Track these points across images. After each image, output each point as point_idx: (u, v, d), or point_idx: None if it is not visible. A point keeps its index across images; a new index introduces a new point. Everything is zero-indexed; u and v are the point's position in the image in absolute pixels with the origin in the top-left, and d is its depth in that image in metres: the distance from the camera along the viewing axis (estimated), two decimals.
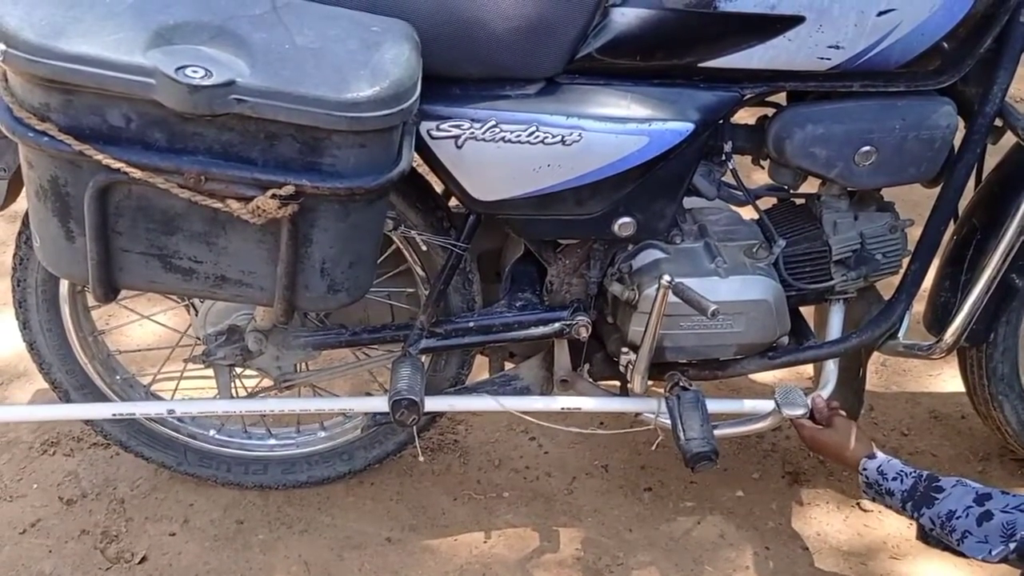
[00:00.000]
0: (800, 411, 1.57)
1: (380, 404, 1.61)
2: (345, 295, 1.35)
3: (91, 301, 1.60)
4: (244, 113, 1.14)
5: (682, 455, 1.54)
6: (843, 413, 1.66)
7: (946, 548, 1.49)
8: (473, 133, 1.39)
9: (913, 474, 1.51)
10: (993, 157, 1.64)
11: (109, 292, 1.30)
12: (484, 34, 1.35)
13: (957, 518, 1.41)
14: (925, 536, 1.52)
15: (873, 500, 1.58)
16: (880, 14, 1.35)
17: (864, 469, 1.56)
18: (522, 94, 1.40)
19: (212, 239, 1.26)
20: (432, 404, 1.62)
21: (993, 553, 1.36)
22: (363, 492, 1.86)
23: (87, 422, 1.77)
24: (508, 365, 1.76)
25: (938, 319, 1.67)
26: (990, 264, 1.52)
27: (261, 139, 1.18)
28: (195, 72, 1.11)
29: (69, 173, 1.20)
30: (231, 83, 1.12)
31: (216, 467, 1.81)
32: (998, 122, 1.51)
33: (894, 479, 1.52)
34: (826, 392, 1.66)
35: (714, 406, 1.60)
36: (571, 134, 1.40)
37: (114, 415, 1.66)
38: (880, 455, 1.57)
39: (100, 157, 1.15)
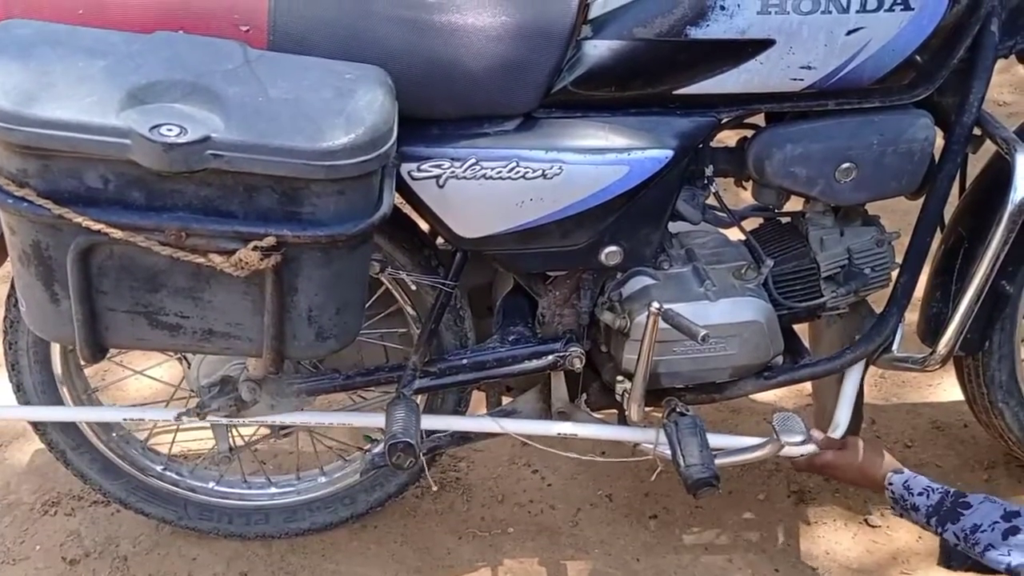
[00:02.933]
0: (798, 438, 1.55)
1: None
2: (334, 341, 1.35)
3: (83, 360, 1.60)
4: (221, 168, 1.15)
5: (683, 482, 1.53)
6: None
7: (969, 569, 1.47)
8: (454, 172, 1.39)
9: (940, 490, 1.49)
10: (978, 163, 1.64)
11: (97, 352, 1.30)
12: (459, 74, 1.36)
13: (982, 531, 1.39)
14: (948, 560, 1.50)
15: (900, 516, 1.56)
16: (849, 33, 1.36)
17: (890, 484, 1.54)
18: (501, 130, 1.41)
19: (197, 294, 1.26)
20: (429, 423, 1.61)
21: (1013, 565, 1.33)
22: (366, 536, 1.84)
23: (85, 481, 1.76)
24: (506, 399, 1.75)
25: (931, 330, 1.66)
26: (979, 272, 1.52)
27: (240, 192, 1.19)
28: (170, 130, 1.12)
29: (50, 237, 1.20)
30: (206, 139, 1.13)
31: (217, 519, 1.80)
32: (977, 131, 1.52)
33: (920, 494, 1.49)
34: (838, 433, 1.64)
35: (712, 441, 1.58)
36: (551, 167, 1.40)
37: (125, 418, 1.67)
38: (907, 471, 1.55)
39: (80, 220, 1.16)
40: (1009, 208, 1.46)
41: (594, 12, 1.39)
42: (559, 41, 1.37)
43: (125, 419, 1.72)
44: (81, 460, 1.73)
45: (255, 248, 1.19)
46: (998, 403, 1.78)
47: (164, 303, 1.26)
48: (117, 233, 1.17)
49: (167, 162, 1.13)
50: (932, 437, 2.02)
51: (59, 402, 1.66)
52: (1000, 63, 1.50)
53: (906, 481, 1.52)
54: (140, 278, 1.24)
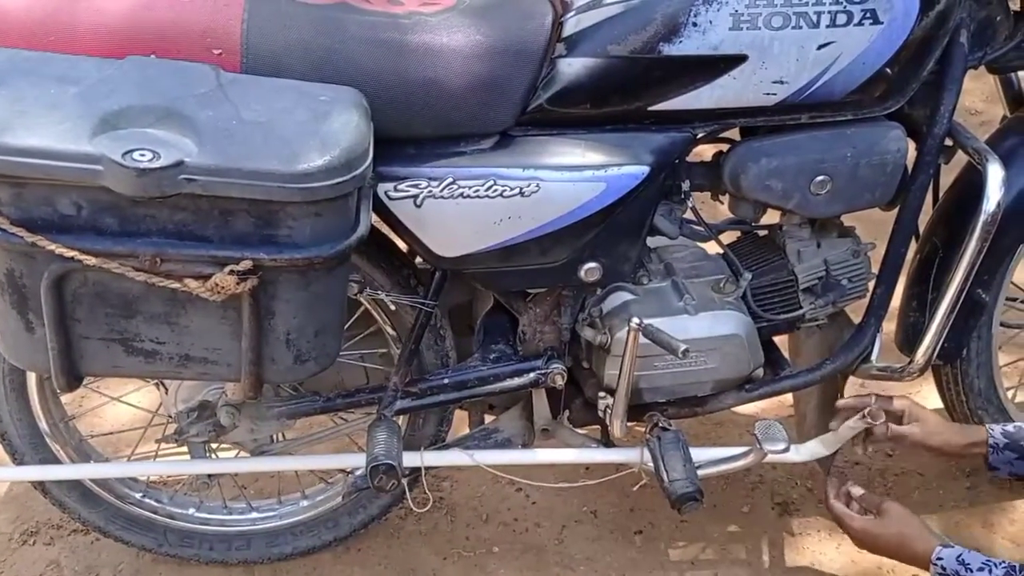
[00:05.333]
0: (781, 445, 1.55)
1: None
2: (313, 364, 1.34)
3: None
4: (195, 192, 1.14)
5: (667, 498, 1.53)
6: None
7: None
8: (431, 191, 1.39)
9: (1003, 565, 1.38)
10: (950, 173, 1.66)
11: (72, 380, 1.28)
12: (434, 93, 1.36)
13: None
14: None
15: None
16: (820, 47, 1.37)
17: (939, 559, 1.42)
18: (477, 149, 1.41)
19: (173, 319, 1.25)
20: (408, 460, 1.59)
21: None
22: (350, 559, 1.83)
23: (63, 510, 1.74)
24: (489, 417, 1.75)
25: (909, 339, 1.68)
26: (954, 281, 1.53)
27: (215, 216, 1.18)
28: (142, 156, 1.11)
29: (24, 265, 1.19)
30: (179, 164, 1.12)
31: (198, 546, 1.78)
32: (948, 142, 1.53)
33: (980, 570, 1.39)
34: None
35: (695, 454, 1.57)
36: (529, 185, 1.40)
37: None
38: (956, 545, 1.45)
39: (53, 247, 1.15)
40: (982, 218, 1.47)
41: (568, 30, 1.40)
42: (533, 59, 1.37)
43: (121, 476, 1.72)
44: (59, 488, 1.70)
45: (231, 272, 1.18)
46: (977, 411, 1.79)
47: (140, 329, 1.25)
48: (91, 260, 1.16)
49: (140, 187, 1.12)
50: None
51: (36, 429, 1.64)
52: (972, 72, 1.52)
53: (960, 555, 1.41)
54: (115, 305, 1.23)
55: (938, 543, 1.44)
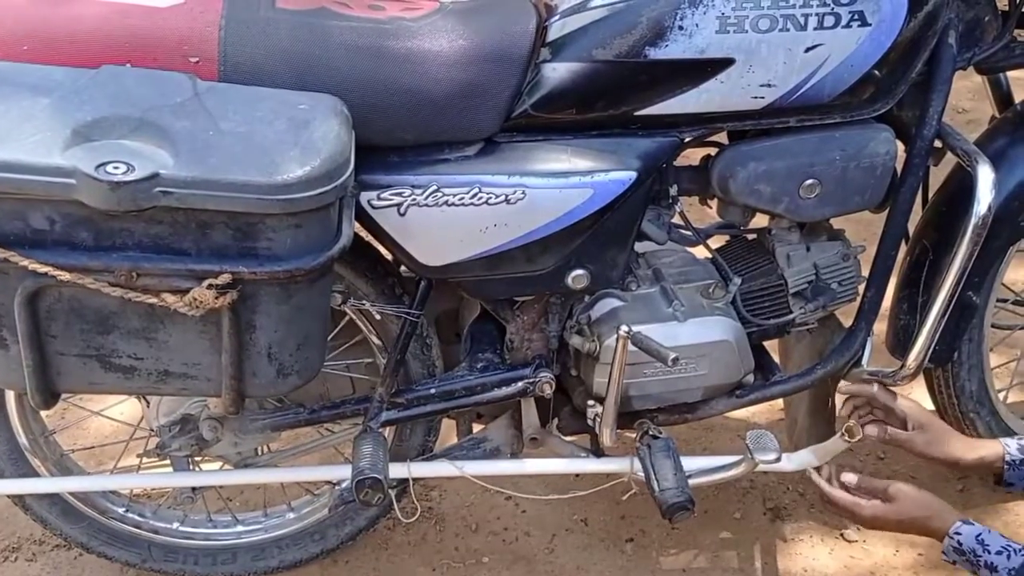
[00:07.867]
0: (772, 455, 1.53)
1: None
2: (296, 378, 1.32)
3: None
4: (171, 205, 1.12)
5: (658, 507, 1.51)
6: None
7: None
8: (415, 199, 1.37)
9: (1023, 551, 1.32)
10: (939, 174, 1.65)
11: (48, 398, 1.26)
12: (417, 100, 1.33)
13: None
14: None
15: (954, 563, 1.39)
16: (807, 50, 1.35)
17: (958, 533, 1.37)
18: (462, 156, 1.39)
19: (151, 334, 1.22)
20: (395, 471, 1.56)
21: None
22: (337, 571, 1.80)
23: (45, 526, 1.71)
24: (477, 426, 1.72)
25: (900, 343, 1.66)
26: (945, 284, 1.51)
27: (192, 229, 1.15)
28: (116, 168, 1.08)
29: None
30: (154, 176, 1.10)
31: (183, 561, 1.75)
32: (938, 143, 1.52)
33: (999, 553, 1.32)
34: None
35: (686, 463, 1.55)
36: (514, 192, 1.38)
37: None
38: (975, 523, 1.38)
39: (26, 263, 1.12)
40: (973, 220, 1.45)
41: (552, 35, 1.38)
42: (518, 64, 1.35)
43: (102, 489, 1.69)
44: (40, 504, 1.68)
45: (210, 286, 1.16)
46: (969, 413, 1.78)
47: (117, 345, 1.23)
48: (65, 275, 1.13)
49: (114, 201, 1.09)
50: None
51: (15, 444, 1.61)
52: (959, 71, 1.50)
53: (979, 535, 1.35)
54: (91, 321, 1.20)
55: (958, 518, 1.39)
